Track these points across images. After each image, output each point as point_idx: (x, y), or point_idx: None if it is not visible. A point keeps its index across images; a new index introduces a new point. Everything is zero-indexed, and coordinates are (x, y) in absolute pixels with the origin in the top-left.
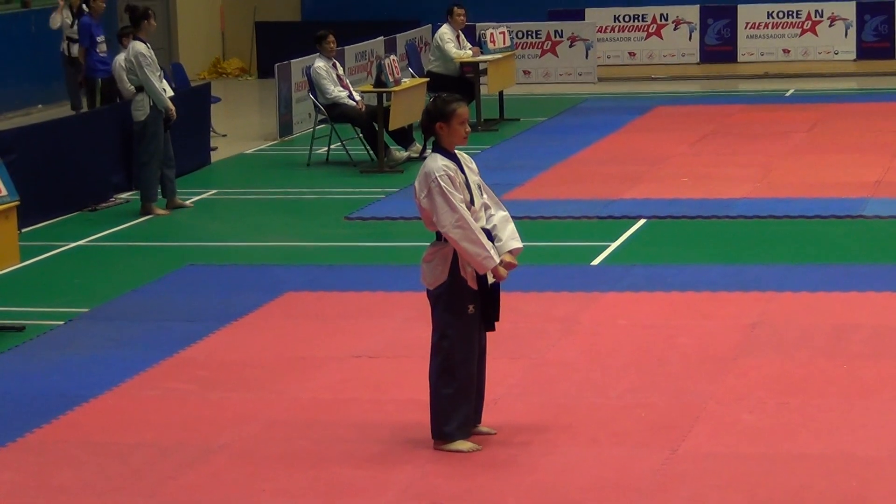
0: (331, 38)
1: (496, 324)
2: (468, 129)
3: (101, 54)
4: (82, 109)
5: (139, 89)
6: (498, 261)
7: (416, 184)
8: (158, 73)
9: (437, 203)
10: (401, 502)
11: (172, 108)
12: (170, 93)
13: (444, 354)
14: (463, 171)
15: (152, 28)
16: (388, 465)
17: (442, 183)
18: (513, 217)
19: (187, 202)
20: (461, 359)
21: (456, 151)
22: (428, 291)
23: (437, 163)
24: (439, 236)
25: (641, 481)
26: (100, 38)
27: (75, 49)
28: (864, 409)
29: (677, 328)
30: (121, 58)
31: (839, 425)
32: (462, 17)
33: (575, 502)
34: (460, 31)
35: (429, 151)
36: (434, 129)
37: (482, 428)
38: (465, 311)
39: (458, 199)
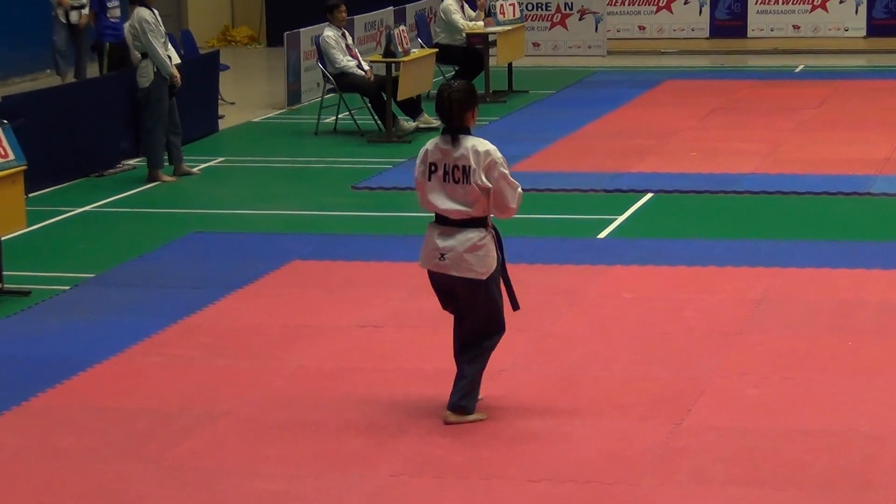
0: (342, 7)
1: None
2: None
3: (113, 20)
4: (84, 76)
5: (144, 56)
6: None
7: (472, 160)
8: (163, 40)
9: (506, 184)
10: (404, 473)
11: (177, 74)
12: (176, 60)
13: (494, 339)
14: None
15: None
16: (392, 435)
17: (506, 166)
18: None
19: (194, 169)
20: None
21: None
22: (468, 281)
23: (490, 144)
24: (479, 223)
25: (645, 454)
26: (111, 4)
27: (74, 16)
28: (868, 386)
29: (683, 302)
30: (128, 24)
31: (843, 401)
32: None
33: (578, 474)
34: (464, 2)
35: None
36: (472, 116)
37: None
38: (500, 290)
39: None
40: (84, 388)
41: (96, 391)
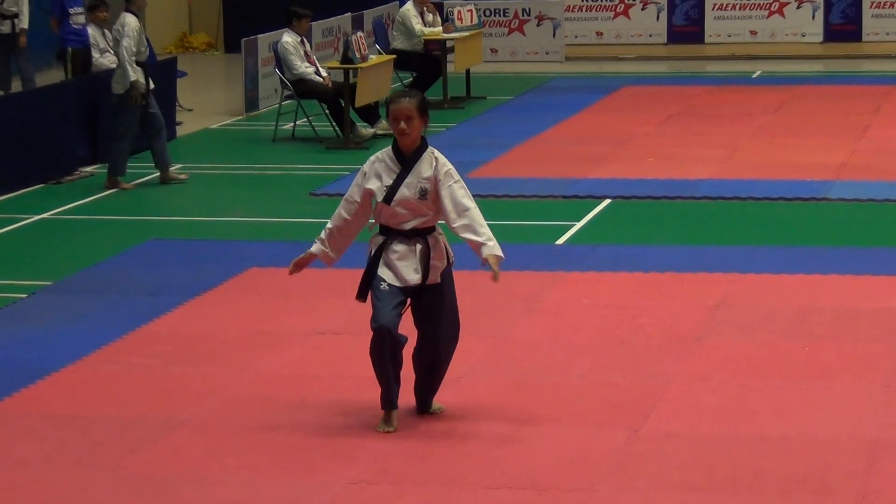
0: (308, 18)
1: None
2: (400, 125)
3: (76, 26)
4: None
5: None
6: None
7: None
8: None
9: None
10: (362, 480)
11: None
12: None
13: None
14: None
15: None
16: (350, 442)
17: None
18: (478, 196)
19: (181, 175)
20: None
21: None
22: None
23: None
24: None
25: (603, 461)
26: (73, 10)
27: (6, 26)
28: (825, 391)
29: (640, 308)
30: (114, 27)
31: (800, 407)
32: None
33: (536, 481)
34: (425, 8)
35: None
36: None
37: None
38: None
39: None
40: (41, 396)
41: (54, 399)
